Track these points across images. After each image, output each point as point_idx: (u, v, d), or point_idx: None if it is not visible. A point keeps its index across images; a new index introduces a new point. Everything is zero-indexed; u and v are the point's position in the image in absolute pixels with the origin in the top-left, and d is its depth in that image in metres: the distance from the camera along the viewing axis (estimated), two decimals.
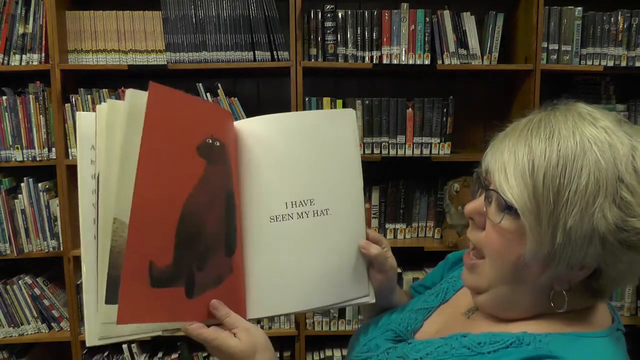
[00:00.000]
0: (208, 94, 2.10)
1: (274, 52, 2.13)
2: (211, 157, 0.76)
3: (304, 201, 0.84)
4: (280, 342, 2.31)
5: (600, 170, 0.60)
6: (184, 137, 0.73)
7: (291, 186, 0.84)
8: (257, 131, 0.84)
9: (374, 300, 0.90)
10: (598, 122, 0.63)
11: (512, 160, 0.64)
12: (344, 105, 2.17)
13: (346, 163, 0.88)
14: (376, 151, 2.20)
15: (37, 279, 2.18)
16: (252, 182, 0.83)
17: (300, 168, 0.84)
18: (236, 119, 0.84)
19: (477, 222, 0.71)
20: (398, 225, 2.31)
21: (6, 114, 2.09)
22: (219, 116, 0.81)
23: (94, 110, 0.77)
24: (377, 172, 2.32)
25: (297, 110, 2.10)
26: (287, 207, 0.83)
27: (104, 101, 2.21)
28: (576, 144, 0.61)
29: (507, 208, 0.64)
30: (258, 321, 2.09)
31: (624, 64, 2.19)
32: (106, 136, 0.72)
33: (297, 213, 0.83)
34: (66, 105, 2.08)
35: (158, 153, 0.69)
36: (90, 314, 0.72)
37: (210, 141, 0.76)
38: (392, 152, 2.20)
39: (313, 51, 2.15)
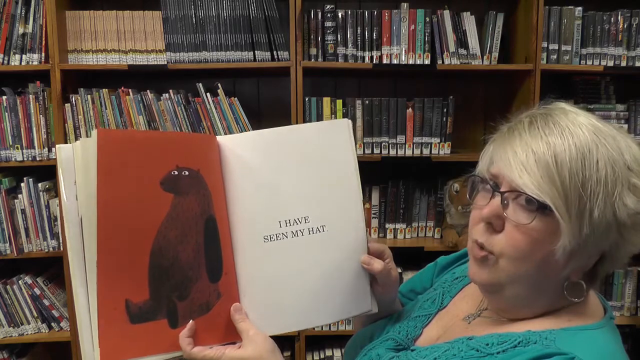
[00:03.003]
0: (208, 94, 2.09)
1: (274, 52, 2.13)
2: (178, 188, 0.76)
3: (298, 219, 0.82)
4: (280, 342, 2.30)
5: (614, 160, 0.64)
6: (144, 176, 0.73)
7: (283, 205, 0.82)
8: (243, 150, 0.82)
9: (376, 311, 0.89)
10: (589, 118, 0.68)
11: (532, 159, 0.64)
12: (344, 105, 2.17)
13: (343, 176, 0.86)
14: (376, 151, 2.20)
15: (37, 279, 2.18)
16: (242, 203, 0.82)
17: (292, 185, 0.83)
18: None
19: (496, 225, 0.69)
20: (398, 225, 2.31)
21: (6, 114, 2.09)
22: (187, 142, 0.79)
23: (94, 110, 0.77)
24: (377, 172, 2.32)
25: (296, 110, 2.10)
26: (280, 226, 0.82)
27: (104, 101, 2.20)
28: (587, 138, 0.64)
29: (541, 207, 0.64)
30: None
31: (624, 64, 2.19)
32: (83, 178, 0.71)
33: (292, 231, 0.82)
34: (66, 105, 2.08)
35: (116, 196, 0.70)
36: (87, 355, 0.71)
37: (176, 172, 0.76)
38: (392, 152, 2.20)
39: (313, 51, 2.15)
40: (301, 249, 0.82)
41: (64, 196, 0.73)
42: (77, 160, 0.72)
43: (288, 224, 0.82)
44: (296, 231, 0.82)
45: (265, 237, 0.82)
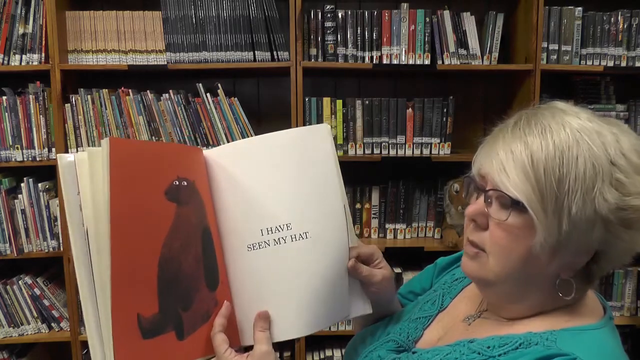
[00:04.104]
0: (208, 94, 2.10)
1: (274, 52, 2.13)
2: (180, 198, 0.75)
3: (279, 226, 0.81)
4: (280, 342, 2.30)
5: (595, 156, 0.64)
6: (151, 186, 0.72)
7: (265, 213, 0.81)
8: (226, 160, 0.82)
9: (370, 311, 0.88)
10: (580, 115, 0.68)
11: (510, 158, 0.67)
12: (344, 105, 2.17)
13: (325, 181, 0.85)
14: (376, 151, 2.20)
15: (37, 279, 2.18)
16: (225, 212, 0.82)
17: (273, 193, 0.81)
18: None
19: (480, 223, 0.72)
20: (398, 225, 2.31)
21: (6, 114, 2.09)
22: (183, 154, 0.80)
23: (94, 110, 0.75)
24: (377, 172, 2.32)
25: (296, 110, 2.10)
26: (262, 235, 0.80)
27: (104, 101, 2.20)
28: (568, 136, 0.65)
29: (514, 204, 0.66)
30: None
31: (624, 64, 2.19)
32: (90, 189, 0.68)
33: (274, 239, 0.80)
34: (66, 105, 2.08)
35: (128, 208, 0.68)
36: None
37: (177, 182, 0.75)
38: (392, 152, 2.20)
39: (313, 51, 2.15)
40: (284, 257, 0.81)
41: (67, 208, 0.69)
42: (81, 171, 0.69)
43: (270, 232, 0.81)
44: (278, 239, 0.81)
45: (249, 246, 0.81)
